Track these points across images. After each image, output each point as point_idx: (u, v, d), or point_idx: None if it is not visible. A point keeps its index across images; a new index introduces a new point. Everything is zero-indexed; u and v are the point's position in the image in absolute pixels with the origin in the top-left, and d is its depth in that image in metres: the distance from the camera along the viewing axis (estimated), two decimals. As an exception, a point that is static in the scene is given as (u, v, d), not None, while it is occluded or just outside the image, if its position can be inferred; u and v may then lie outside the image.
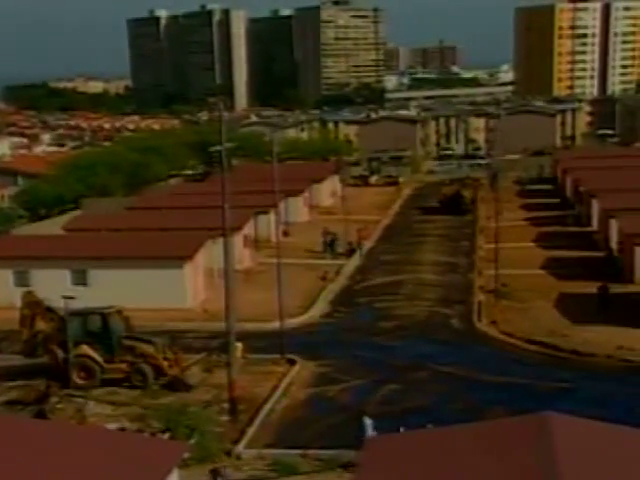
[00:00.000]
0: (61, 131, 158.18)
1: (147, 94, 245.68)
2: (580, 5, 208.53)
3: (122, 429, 23.55)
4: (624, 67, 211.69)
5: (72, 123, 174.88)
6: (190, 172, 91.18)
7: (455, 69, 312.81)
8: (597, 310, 34.87)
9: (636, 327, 32.18)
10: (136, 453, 15.76)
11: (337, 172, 78.39)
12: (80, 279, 38.64)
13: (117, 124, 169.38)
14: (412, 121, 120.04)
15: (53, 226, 53.39)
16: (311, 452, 22.31)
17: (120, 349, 28.43)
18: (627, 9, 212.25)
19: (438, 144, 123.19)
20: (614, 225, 44.61)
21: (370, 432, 22.75)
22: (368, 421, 22.98)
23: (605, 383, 27.83)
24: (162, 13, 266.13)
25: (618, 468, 13.33)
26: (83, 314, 28.77)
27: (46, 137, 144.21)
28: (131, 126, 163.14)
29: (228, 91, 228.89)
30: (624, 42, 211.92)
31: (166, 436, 22.68)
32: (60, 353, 28.47)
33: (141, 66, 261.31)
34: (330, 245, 50.30)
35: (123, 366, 28.23)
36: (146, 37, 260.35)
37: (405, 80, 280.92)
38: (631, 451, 14.05)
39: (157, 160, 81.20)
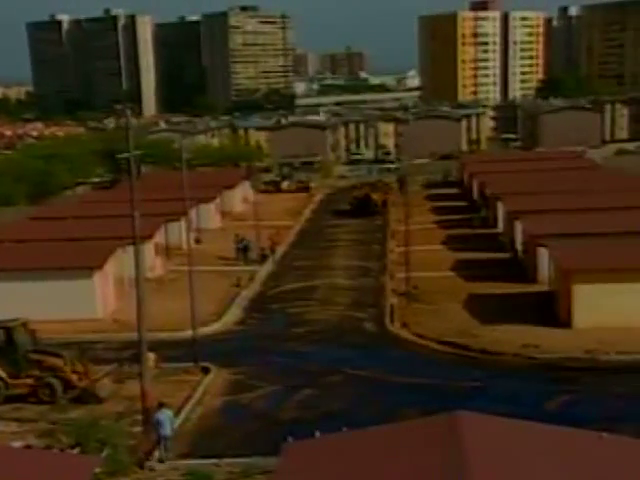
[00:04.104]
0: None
1: (50, 100, 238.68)
2: (481, 14, 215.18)
3: (28, 446, 22.74)
4: (523, 74, 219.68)
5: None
6: (97, 180, 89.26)
7: (363, 75, 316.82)
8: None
9: (539, 325, 33.36)
10: (44, 470, 15.24)
11: (248, 178, 78.25)
12: (-19, 292, 37.15)
13: (19, 131, 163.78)
14: (322, 127, 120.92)
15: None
16: (226, 461, 22.10)
17: (26, 363, 27.45)
18: (524, 19, 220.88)
19: (348, 149, 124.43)
20: (518, 227, 46.02)
21: (169, 427, 22.18)
22: (162, 415, 22.49)
23: (513, 380, 28.64)
24: (64, 17, 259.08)
25: (527, 463, 13.73)
26: (-14, 328, 27.67)
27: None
28: (34, 133, 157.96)
29: (136, 97, 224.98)
30: (522, 50, 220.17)
31: (76, 451, 22.05)
32: (-39, 370, 27.31)
33: (43, 71, 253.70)
34: (244, 251, 50.07)
35: (29, 381, 27.27)
36: (48, 42, 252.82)
37: (314, 86, 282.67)
38: (539, 446, 14.49)
39: (63, 168, 79.23)
